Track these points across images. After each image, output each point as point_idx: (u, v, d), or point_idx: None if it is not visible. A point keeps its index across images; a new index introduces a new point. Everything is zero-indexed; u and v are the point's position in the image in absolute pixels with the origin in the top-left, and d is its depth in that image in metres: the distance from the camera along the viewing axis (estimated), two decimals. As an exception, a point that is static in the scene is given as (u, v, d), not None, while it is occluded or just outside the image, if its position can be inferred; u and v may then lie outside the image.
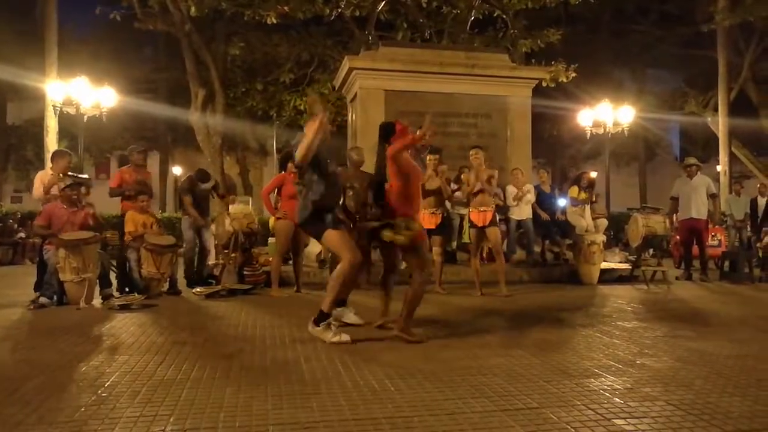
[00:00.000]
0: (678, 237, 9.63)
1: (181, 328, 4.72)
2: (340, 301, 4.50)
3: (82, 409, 2.71)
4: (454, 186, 7.77)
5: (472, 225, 6.55)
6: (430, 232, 6.60)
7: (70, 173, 6.49)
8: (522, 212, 8.41)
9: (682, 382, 3.13)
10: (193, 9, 13.66)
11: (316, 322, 4.09)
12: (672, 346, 4.03)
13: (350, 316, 4.67)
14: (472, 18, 11.82)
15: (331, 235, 4.15)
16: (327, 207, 4.17)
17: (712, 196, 8.81)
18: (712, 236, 10.50)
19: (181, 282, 7.06)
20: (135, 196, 6.90)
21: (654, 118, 21.51)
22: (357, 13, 13.89)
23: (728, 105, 17.80)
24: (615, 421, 2.55)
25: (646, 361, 3.62)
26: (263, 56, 17.30)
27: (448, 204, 7.47)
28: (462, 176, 6.88)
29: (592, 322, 4.97)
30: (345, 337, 4.03)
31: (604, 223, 9.27)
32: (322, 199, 4.14)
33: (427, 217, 6.58)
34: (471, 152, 6.57)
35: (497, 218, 6.63)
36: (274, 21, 13.55)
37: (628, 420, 2.56)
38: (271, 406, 2.72)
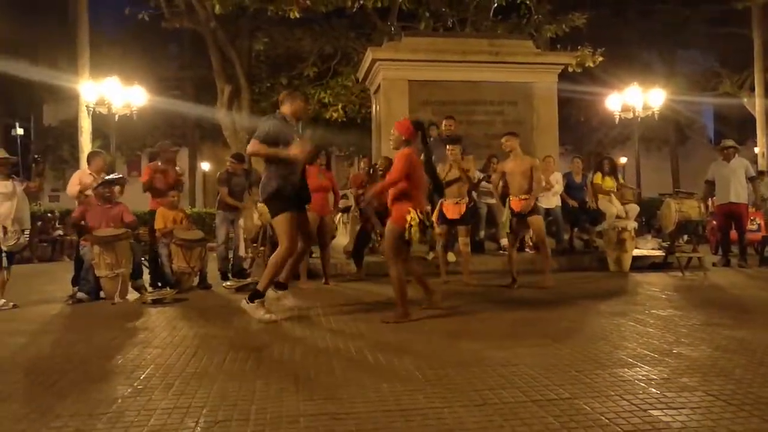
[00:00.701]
0: (714, 222, 9.38)
1: (211, 321, 4.78)
2: (282, 285, 4.90)
3: (119, 401, 2.77)
4: (479, 175, 7.69)
5: (513, 213, 6.41)
6: (454, 222, 6.55)
7: (105, 177, 6.63)
8: (550, 200, 8.31)
9: (721, 372, 3.05)
10: (217, 6, 13.80)
11: (251, 299, 4.52)
12: (710, 335, 3.92)
13: (288, 301, 4.97)
14: (495, 5, 11.70)
15: (281, 219, 4.57)
16: (286, 191, 4.58)
17: (752, 179, 8.54)
18: (751, 220, 10.19)
19: (215, 276, 7.14)
20: (165, 191, 6.99)
21: (685, 100, 20.93)
22: (379, 5, 13.85)
23: (765, 85, 17.20)
24: (651, 412, 2.49)
25: (682, 350, 3.53)
26: (287, 51, 17.38)
27: (474, 193, 7.40)
28: (498, 166, 6.74)
29: (625, 311, 4.87)
30: (274, 317, 4.47)
31: (635, 208, 9.06)
32: (283, 186, 4.57)
33: (450, 207, 6.52)
34: (502, 139, 6.46)
35: (540, 206, 6.43)
36: (297, 15, 13.60)
37: (665, 411, 2.50)
38: (301, 398, 2.74)
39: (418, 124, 4.69)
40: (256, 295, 4.54)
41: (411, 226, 4.40)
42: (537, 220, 6.30)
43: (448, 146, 6.57)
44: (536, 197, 6.36)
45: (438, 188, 4.87)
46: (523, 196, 6.25)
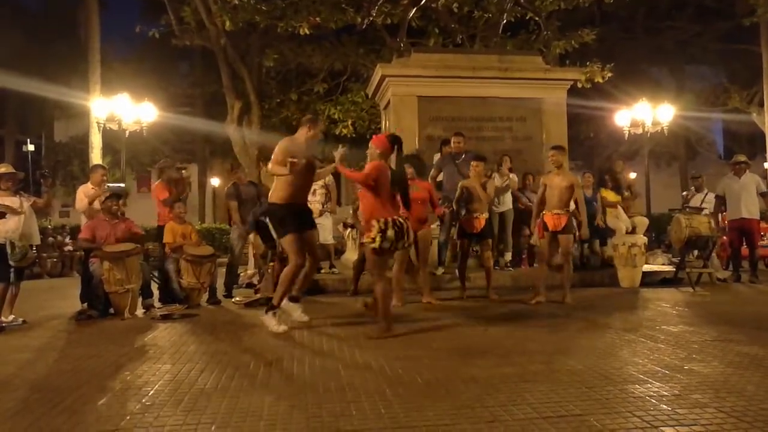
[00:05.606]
0: (725, 237, 9.30)
1: (221, 337, 4.79)
2: (294, 298, 5.13)
3: (128, 418, 2.78)
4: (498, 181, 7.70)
5: (545, 228, 6.38)
6: (472, 235, 6.55)
7: (107, 185, 6.76)
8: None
9: (733, 388, 3.02)
10: (227, 23, 13.99)
11: (268, 311, 4.89)
12: (722, 351, 3.88)
13: (297, 314, 5.13)
14: (504, 21, 11.70)
15: (288, 240, 4.93)
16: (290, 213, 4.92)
17: (763, 195, 8.49)
18: (762, 236, 10.10)
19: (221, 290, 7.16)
20: (171, 204, 7.05)
21: (695, 116, 20.87)
22: (388, 21, 13.96)
23: (774, 100, 17.14)
24: (663, 428, 2.47)
25: (694, 366, 3.50)
26: (297, 67, 17.52)
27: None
28: (541, 179, 6.73)
29: (636, 327, 4.83)
30: (283, 327, 4.77)
31: (644, 221, 8.98)
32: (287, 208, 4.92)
33: (481, 221, 6.53)
34: (549, 152, 6.50)
35: (573, 223, 6.37)
36: (307, 32, 13.74)
37: (676, 428, 2.48)
38: (310, 415, 2.73)
39: (394, 139, 4.92)
40: (271, 308, 4.92)
41: (374, 238, 4.52)
42: (565, 238, 6.27)
43: (473, 162, 6.59)
44: (570, 215, 6.25)
45: (406, 202, 4.90)
46: (555, 211, 6.23)
